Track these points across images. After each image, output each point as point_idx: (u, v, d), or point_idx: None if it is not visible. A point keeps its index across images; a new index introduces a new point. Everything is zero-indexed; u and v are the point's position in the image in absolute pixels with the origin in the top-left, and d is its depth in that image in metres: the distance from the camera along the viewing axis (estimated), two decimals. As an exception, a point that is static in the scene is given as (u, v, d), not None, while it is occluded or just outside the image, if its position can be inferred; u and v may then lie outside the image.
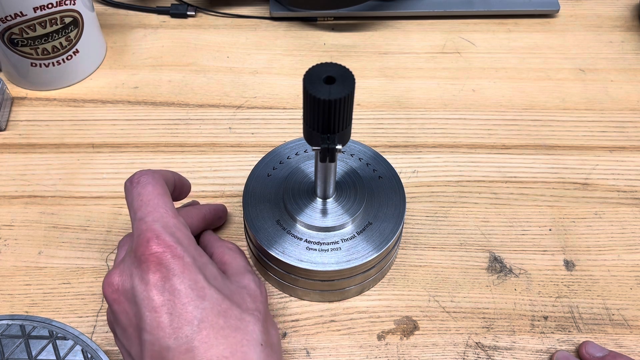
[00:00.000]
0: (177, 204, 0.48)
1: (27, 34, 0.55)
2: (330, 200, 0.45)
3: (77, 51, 0.59)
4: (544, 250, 0.50)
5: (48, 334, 0.42)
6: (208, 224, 0.48)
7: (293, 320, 0.46)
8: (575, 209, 0.53)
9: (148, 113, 0.59)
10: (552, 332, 0.46)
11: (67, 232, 0.51)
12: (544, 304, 0.47)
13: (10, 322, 0.42)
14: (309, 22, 0.68)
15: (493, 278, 0.49)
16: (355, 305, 0.47)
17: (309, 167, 0.48)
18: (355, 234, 0.45)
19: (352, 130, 0.40)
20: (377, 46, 0.66)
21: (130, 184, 0.38)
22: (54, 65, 0.59)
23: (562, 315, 0.47)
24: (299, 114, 0.59)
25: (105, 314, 0.46)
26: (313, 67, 0.35)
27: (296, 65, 0.64)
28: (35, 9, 0.54)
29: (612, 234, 0.51)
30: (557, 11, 0.69)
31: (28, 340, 0.42)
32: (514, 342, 0.46)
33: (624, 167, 0.56)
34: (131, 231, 0.40)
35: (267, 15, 0.68)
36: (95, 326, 0.46)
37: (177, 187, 0.43)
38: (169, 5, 0.68)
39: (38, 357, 0.41)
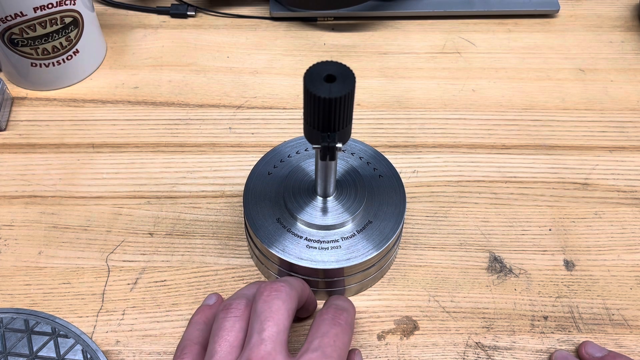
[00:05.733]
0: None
1: (27, 34, 0.55)
2: (330, 199, 0.45)
3: (77, 51, 0.59)
4: (544, 250, 0.50)
5: (51, 331, 0.42)
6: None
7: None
8: (575, 209, 0.53)
9: (148, 113, 0.59)
10: (552, 332, 0.46)
11: (67, 232, 0.51)
12: (544, 304, 0.47)
13: (15, 315, 0.42)
14: (309, 22, 0.68)
15: (493, 278, 0.49)
16: (355, 305, 0.47)
17: (310, 165, 0.48)
18: (356, 233, 0.45)
19: (352, 131, 0.40)
20: (377, 46, 0.66)
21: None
22: (54, 65, 0.59)
23: (562, 315, 0.47)
24: (299, 114, 0.59)
25: (104, 311, 0.46)
26: (314, 65, 0.35)
27: (296, 65, 0.64)
28: (35, 9, 0.54)
29: (612, 234, 0.51)
30: (557, 11, 0.69)
31: (30, 335, 0.42)
32: (514, 342, 0.46)
33: (624, 167, 0.56)
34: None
35: (267, 15, 0.68)
36: (95, 326, 0.46)
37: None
38: (169, 5, 0.68)
39: (39, 353, 0.41)
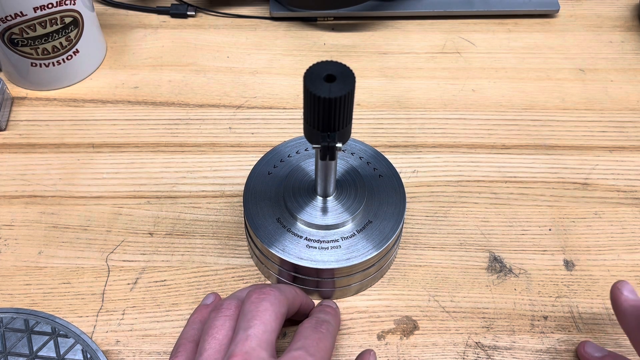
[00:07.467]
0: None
1: (27, 34, 0.55)
2: (330, 199, 0.45)
3: (77, 51, 0.59)
4: (544, 250, 0.50)
5: (50, 331, 0.42)
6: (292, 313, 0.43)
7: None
8: (575, 209, 0.53)
9: (148, 113, 0.59)
10: (552, 332, 0.46)
11: (67, 232, 0.51)
12: (544, 304, 0.47)
13: (15, 315, 0.42)
14: (309, 22, 0.68)
15: (493, 278, 0.49)
16: (355, 305, 0.47)
17: (310, 165, 0.48)
18: (355, 232, 0.45)
19: (352, 131, 0.40)
20: (377, 46, 0.66)
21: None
22: (54, 65, 0.59)
23: (562, 315, 0.47)
24: (299, 114, 0.59)
25: (104, 311, 0.46)
26: (314, 65, 0.35)
27: (296, 65, 0.64)
28: (35, 9, 0.54)
29: (612, 234, 0.51)
30: (557, 11, 0.69)
31: (30, 335, 0.42)
32: (514, 342, 0.46)
33: (623, 167, 0.56)
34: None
35: (267, 15, 0.68)
36: (95, 326, 0.46)
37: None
38: (169, 5, 0.68)
39: (39, 353, 0.41)
